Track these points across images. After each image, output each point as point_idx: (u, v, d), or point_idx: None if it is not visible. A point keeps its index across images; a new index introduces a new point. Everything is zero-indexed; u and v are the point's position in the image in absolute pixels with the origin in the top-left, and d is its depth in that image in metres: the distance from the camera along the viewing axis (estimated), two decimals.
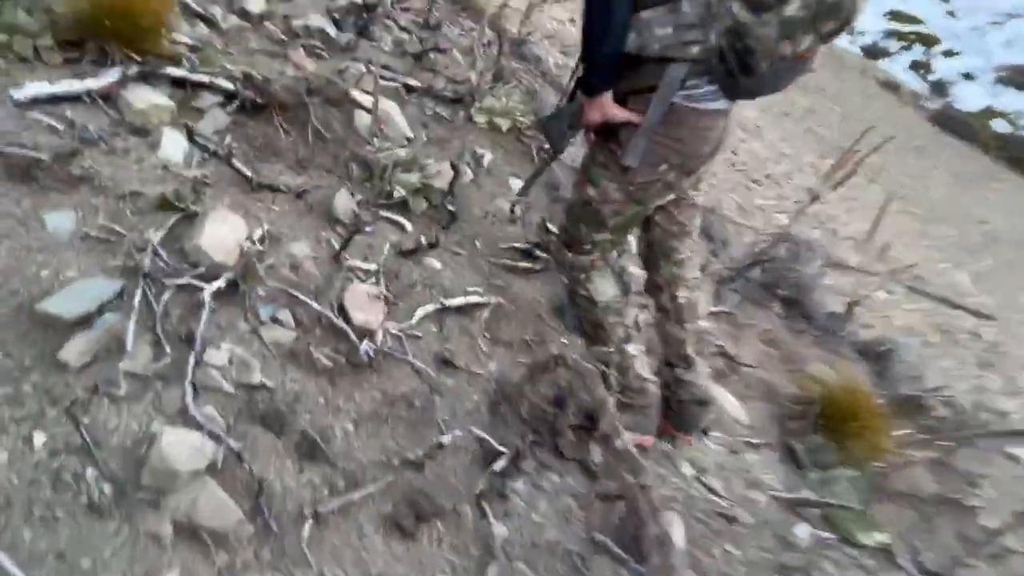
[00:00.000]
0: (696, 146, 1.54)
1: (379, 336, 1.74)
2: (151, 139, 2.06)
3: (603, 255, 1.85)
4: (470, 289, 2.35)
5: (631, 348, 1.97)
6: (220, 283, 1.48)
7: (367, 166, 2.77)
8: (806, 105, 11.86)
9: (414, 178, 2.72)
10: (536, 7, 5.50)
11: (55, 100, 1.89)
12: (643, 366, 1.99)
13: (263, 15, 3.34)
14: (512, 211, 2.99)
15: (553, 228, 3.00)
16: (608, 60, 1.39)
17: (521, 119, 3.81)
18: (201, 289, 1.42)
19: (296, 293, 1.71)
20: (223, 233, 1.58)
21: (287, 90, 2.89)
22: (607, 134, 1.59)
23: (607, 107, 1.47)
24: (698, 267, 2.10)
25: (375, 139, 2.94)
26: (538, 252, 2.78)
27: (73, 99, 1.96)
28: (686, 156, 1.55)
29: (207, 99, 2.46)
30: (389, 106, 3.25)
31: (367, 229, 2.27)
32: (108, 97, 2.08)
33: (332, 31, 3.60)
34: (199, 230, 1.56)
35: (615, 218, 1.72)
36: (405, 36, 4.23)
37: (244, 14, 3.26)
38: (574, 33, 11.36)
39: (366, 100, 3.19)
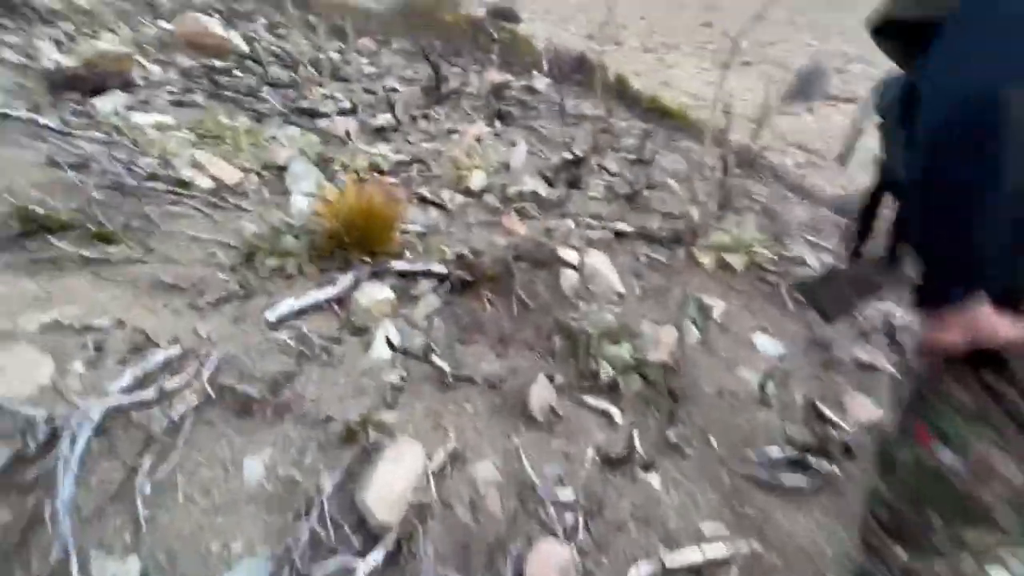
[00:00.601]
0: None
1: None
2: (366, 338, 2.13)
3: (980, 565, 0.96)
4: (707, 528, 1.63)
5: None
6: (377, 558, 1.19)
7: (571, 337, 2.43)
8: None
9: (624, 351, 2.25)
10: (771, 111, 4.85)
11: (299, 313, 2.13)
12: None
13: (484, 189, 3.63)
14: (762, 387, 2.19)
15: (828, 415, 2.07)
16: (990, 246, 0.72)
17: (761, 251, 3.07)
18: (354, 570, 1.14)
19: (467, 555, 1.31)
20: (394, 479, 1.36)
21: (496, 261, 2.91)
22: (980, 360, 0.84)
23: (986, 321, 0.76)
24: None
25: (580, 302, 2.65)
26: (811, 459, 1.88)
27: (314, 308, 2.19)
28: None
29: (423, 285, 2.56)
30: (597, 260, 2.98)
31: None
32: (342, 301, 2.29)
33: (544, 190, 3.68)
34: (370, 478, 1.36)
35: (1005, 508, 0.87)
36: (615, 179, 4.11)
37: (468, 191, 3.58)
38: (814, 127, 10.03)
39: (573, 257, 3.01)
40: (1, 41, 4.95)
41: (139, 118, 3.90)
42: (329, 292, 2.26)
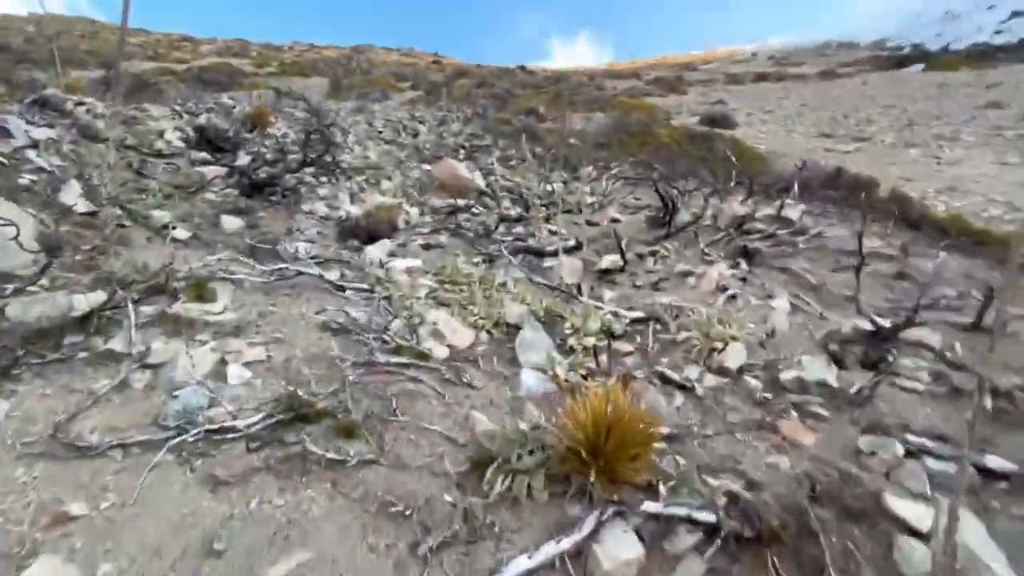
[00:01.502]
0: None
1: None
2: None
3: None
4: None
5: None
6: None
7: None
8: None
9: None
10: None
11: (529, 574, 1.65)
12: None
13: (743, 367, 2.85)
14: None
15: None
16: None
17: None
18: None
19: None
20: None
21: (782, 502, 2.06)
22: None
23: None
24: None
25: None
26: None
27: (546, 567, 1.68)
28: None
29: (682, 538, 1.86)
30: (965, 526, 1.86)
31: None
32: (579, 555, 1.74)
33: (831, 377, 2.71)
34: None
35: None
36: (933, 357, 2.86)
37: (722, 370, 2.85)
38: None
39: (914, 512, 1.95)
40: (317, 195, 6.40)
41: (396, 263, 4.36)
42: (564, 545, 1.74)
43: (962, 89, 21.58)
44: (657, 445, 2.23)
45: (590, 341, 3.03)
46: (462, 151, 10.70)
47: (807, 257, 4.38)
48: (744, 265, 4.29)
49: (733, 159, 6.21)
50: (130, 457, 1.87)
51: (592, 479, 1.92)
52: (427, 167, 8.73)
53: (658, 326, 3.34)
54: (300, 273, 3.74)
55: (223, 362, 2.48)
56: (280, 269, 3.73)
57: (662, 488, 1.98)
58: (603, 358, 2.83)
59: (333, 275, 3.86)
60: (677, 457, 2.20)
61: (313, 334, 2.93)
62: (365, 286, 3.78)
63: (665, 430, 2.39)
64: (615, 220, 5.75)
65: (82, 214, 4.38)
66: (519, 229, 5.52)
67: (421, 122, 14.49)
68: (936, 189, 8.10)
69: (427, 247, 4.93)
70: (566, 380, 2.68)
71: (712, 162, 7.52)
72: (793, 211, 4.93)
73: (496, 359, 2.94)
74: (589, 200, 6.55)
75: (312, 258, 4.22)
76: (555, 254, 4.72)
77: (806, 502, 2.02)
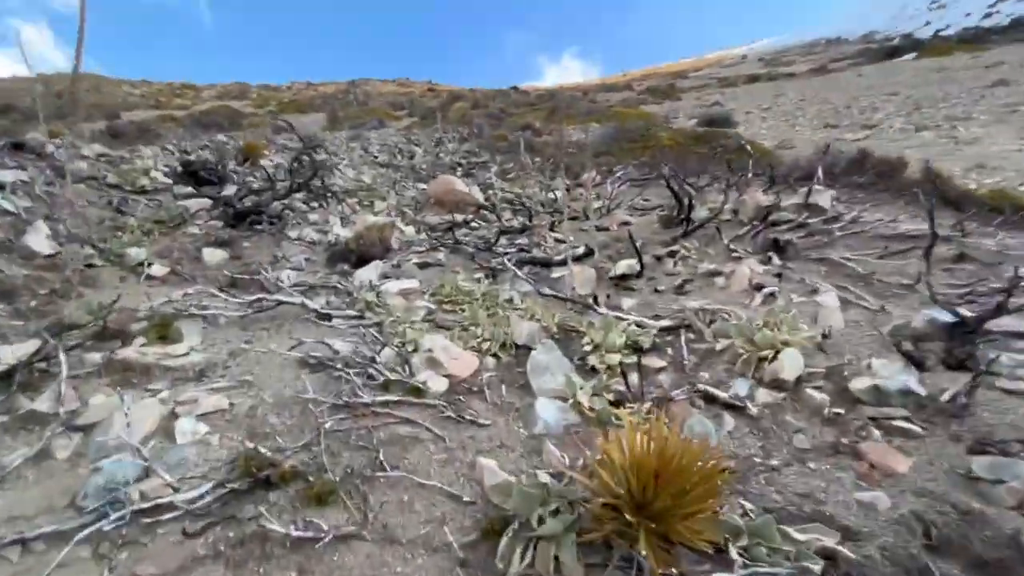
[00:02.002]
0: None
1: None
2: None
3: None
4: None
5: None
6: None
7: None
8: None
9: None
10: None
11: None
12: None
13: (800, 378, 2.37)
14: None
15: None
16: None
17: None
18: None
19: None
20: None
21: (892, 557, 1.55)
22: None
23: None
24: None
25: None
26: None
27: None
28: None
29: None
30: None
31: None
32: None
33: (914, 382, 2.21)
34: None
35: None
36: None
37: (776, 383, 2.37)
38: None
39: None
40: (307, 221, 6.05)
41: (389, 285, 3.95)
42: None
43: (962, 71, 21.16)
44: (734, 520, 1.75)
45: (614, 358, 2.57)
46: (459, 168, 10.40)
47: (846, 245, 3.90)
48: (777, 259, 3.82)
49: (750, 148, 5.78)
50: (31, 555, 1.43)
51: (640, 545, 1.44)
52: (423, 186, 8.40)
53: (691, 335, 2.88)
54: (280, 303, 3.33)
55: (174, 415, 2.05)
56: (258, 300, 3.33)
57: (732, 550, 1.49)
58: (633, 378, 2.37)
59: (318, 303, 3.45)
60: (743, 502, 1.72)
61: (288, 373, 2.50)
62: (353, 312, 3.36)
63: (724, 466, 1.91)
64: (626, 223, 5.32)
65: (47, 256, 4.03)
66: (523, 240, 5.10)
67: (417, 144, 14.28)
68: (963, 168, 7.62)
69: (424, 266, 4.52)
70: (591, 409, 2.21)
71: (722, 157, 7.10)
72: (822, 197, 4.48)
73: (505, 388, 2.48)
74: (596, 205, 6.13)
75: (295, 286, 3.82)
76: (564, 263, 4.29)
77: (923, 555, 1.53)
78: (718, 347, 2.68)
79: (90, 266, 4.24)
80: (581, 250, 4.49)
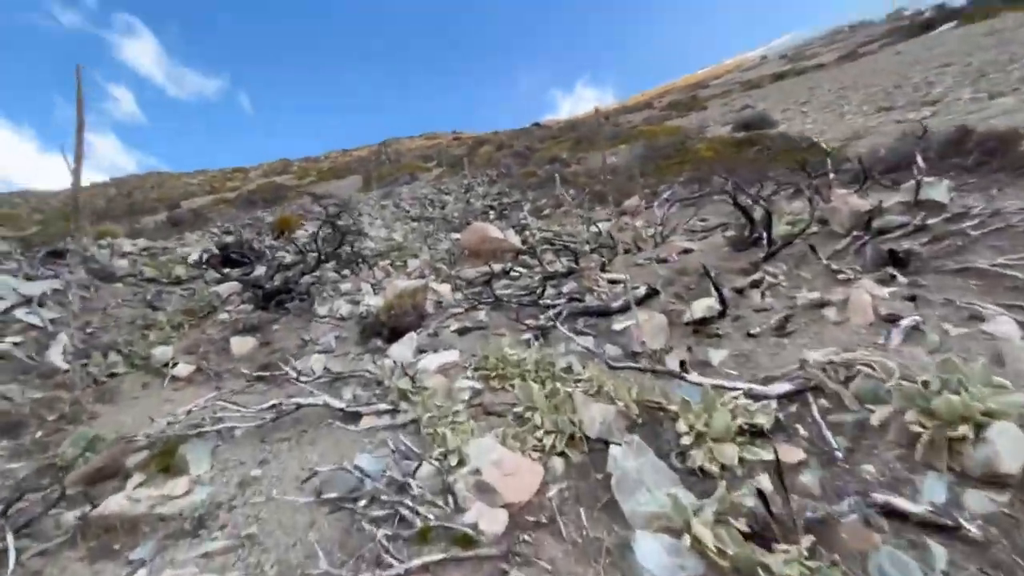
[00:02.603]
0: None
1: None
2: None
3: None
4: None
5: None
6: None
7: None
8: None
9: None
10: None
11: None
12: None
13: None
14: None
15: None
16: None
17: None
18: None
19: None
20: None
21: None
22: None
23: None
24: None
25: None
26: None
27: None
28: None
29: None
30: None
31: None
32: None
33: None
34: None
35: None
36: None
37: (992, 478, 1.57)
38: None
39: None
40: (339, 292, 5.70)
41: (426, 361, 3.41)
42: None
43: (1021, 31, 19.32)
44: None
45: (730, 453, 1.86)
46: (491, 212, 10.04)
47: (992, 247, 3.03)
48: (901, 276, 3.00)
49: (823, 144, 4.99)
50: None
51: None
52: (456, 236, 8.03)
53: (824, 401, 2.12)
54: (300, 407, 2.84)
55: None
56: (275, 406, 2.85)
57: None
58: (766, 486, 1.64)
59: (345, 396, 2.94)
60: None
61: (302, 517, 1.94)
62: (385, 406, 2.82)
63: None
64: (687, 250, 4.61)
65: (65, 371, 3.78)
66: (571, 285, 4.48)
67: (447, 193, 14.18)
68: None
69: (463, 331, 3.97)
70: (720, 552, 1.50)
71: (783, 160, 6.30)
72: (935, 190, 3.63)
73: (584, 511, 1.81)
74: (646, 234, 5.46)
75: (318, 378, 3.34)
76: (626, 309, 3.62)
77: None
78: (873, 420, 1.91)
79: (113, 375, 3.97)
80: (643, 291, 3.81)
